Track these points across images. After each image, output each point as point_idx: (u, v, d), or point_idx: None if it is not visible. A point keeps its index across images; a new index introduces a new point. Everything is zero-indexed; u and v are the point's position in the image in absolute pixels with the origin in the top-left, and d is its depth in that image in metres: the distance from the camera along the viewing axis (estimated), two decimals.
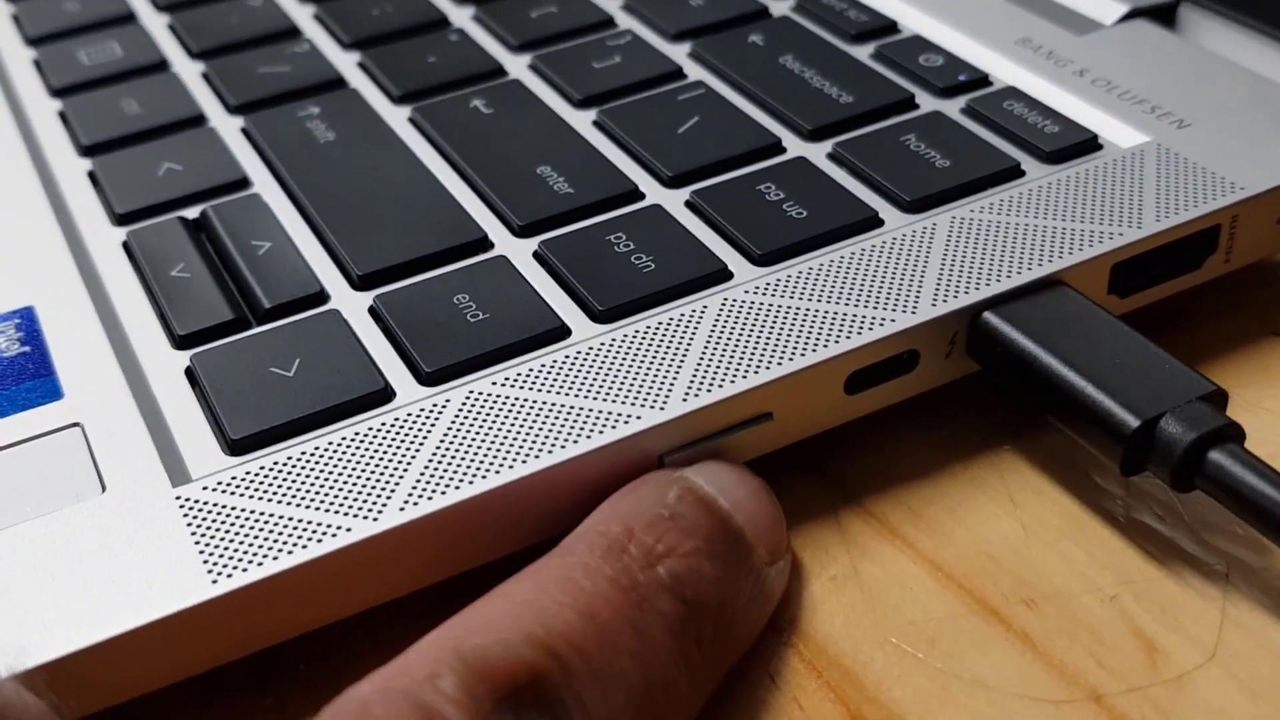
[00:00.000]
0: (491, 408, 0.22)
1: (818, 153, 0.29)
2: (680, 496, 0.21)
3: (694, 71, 0.32)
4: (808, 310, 0.24)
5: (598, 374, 0.23)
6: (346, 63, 0.34)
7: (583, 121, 0.30)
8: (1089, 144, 0.28)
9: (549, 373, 0.23)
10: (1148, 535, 0.23)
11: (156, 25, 0.36)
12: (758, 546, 0.21)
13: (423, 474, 0.21)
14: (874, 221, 0.26)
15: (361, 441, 0.22)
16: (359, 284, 0.26)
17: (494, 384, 0.23)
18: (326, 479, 0.21)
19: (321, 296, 0.26)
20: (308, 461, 0.22)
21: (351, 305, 0.25)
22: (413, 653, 0.18)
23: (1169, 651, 0.21)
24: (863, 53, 0.32)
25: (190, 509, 0.21)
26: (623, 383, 0.23)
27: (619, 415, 0.22)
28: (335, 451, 0.22)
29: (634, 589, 0.19)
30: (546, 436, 0.22)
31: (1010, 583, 0.22)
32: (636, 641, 0.19)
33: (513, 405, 0.22)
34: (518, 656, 0.18)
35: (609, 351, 0.23)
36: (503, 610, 0.19)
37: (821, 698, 0.21)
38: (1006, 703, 0.20)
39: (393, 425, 0.22)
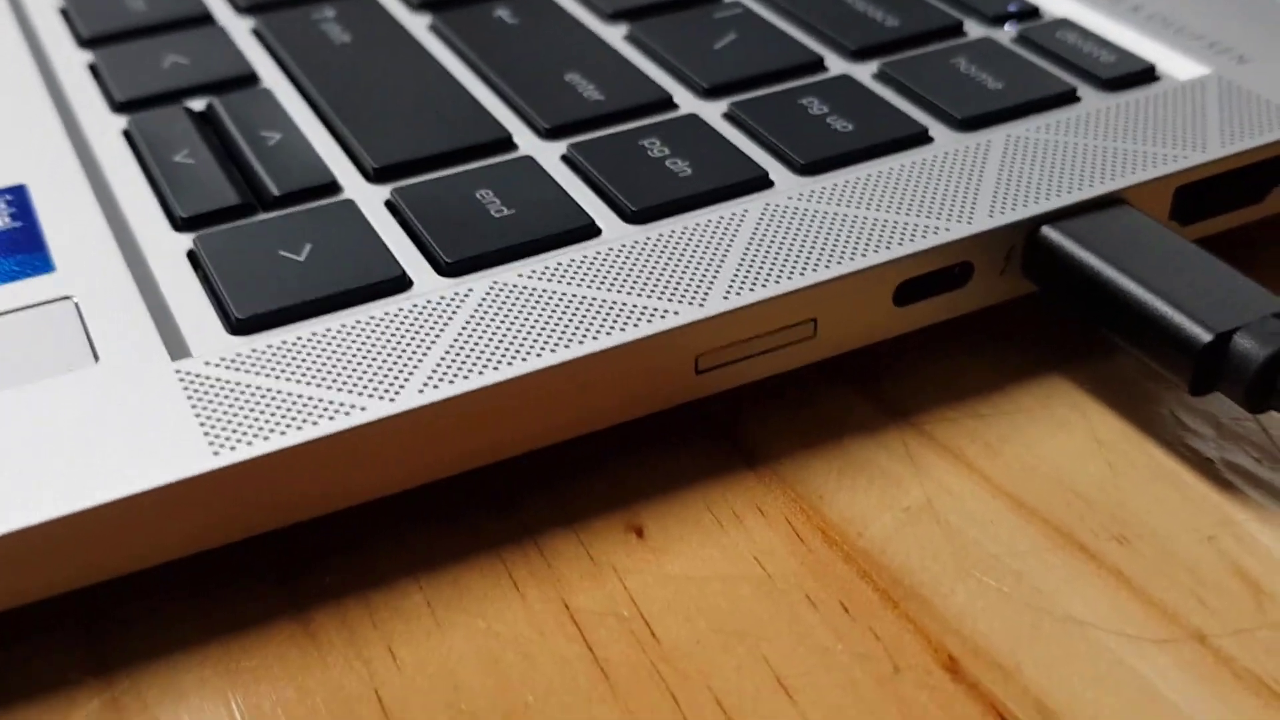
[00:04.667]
0: (517, 298, 0.21)
1: (863, 72, 0.27)
2: None
3: None
4: (856, 217, 0.22)
5: (631, 271, 0.21)
6: None
7: (614, 36, 0.29)
8: (1146, 74, 0.26)
9: (579, 267, 0.22)
10: (1245, 477, 0.21)
11: None
12: None
13: (444, 358, 0.20)
14: (924, 137, 0.25)
15: (378, 325, 0.20)
16: (374, 177, 0.24)
17: (519, 275, 0.21)
18: (339, 359, 0.20)
19: (334, 187, 0.24)
20: (319, 342, 0.20)
21: (366, 198, 0.24)
22: None
23: (1276, 593, 0.19)
24: None
25: (190, 382, 0.19)
26: (658, 279, 0.21)
27: (655, 310, 0.21)
28: (349, 333, 0.20)
29: None
30: (577, 328, 0.20)
31: (1099, 520, 0.20)
32: None
33: (540, 296, 0.21)
34: None
35: (643, 250, 0.22)
36: None
37: (900, 629, 0.19)
38: (1104, 640, 0.19)
39: (411, 311, 0.21)
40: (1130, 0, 0.29)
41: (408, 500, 0.20)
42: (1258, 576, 0.20)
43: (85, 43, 0.29)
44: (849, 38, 0.28)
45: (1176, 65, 0.27)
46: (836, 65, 0.27)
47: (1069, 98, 0.26)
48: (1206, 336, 0.20)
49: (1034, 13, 0.29)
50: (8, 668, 0.19)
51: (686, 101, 0.26)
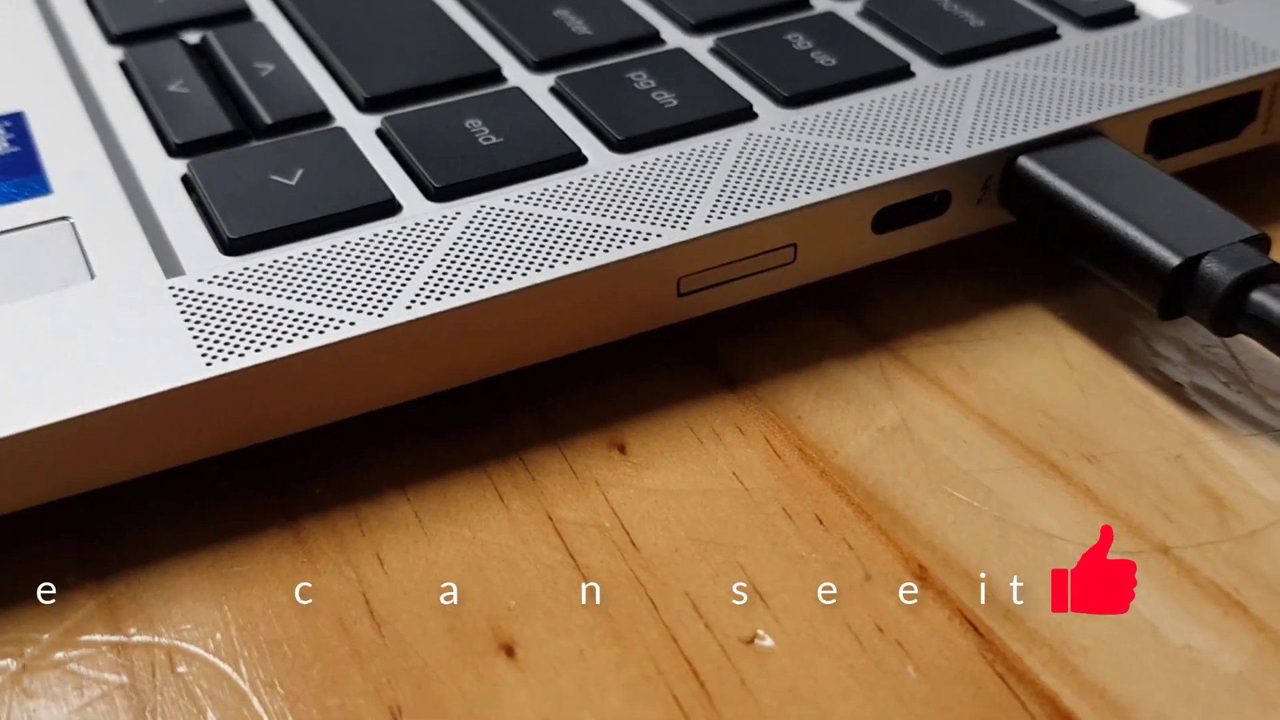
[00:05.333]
0: (504, 221, 0.21)
1: (848, 9, 0.27)
2: None
3: None
4: (837, 147, 0.23)
5: (616, 196, 0.22)
6: None
7: None
8: (1126, 12, 0.27)
9: (565, 193, 0.22)
10: (1213, 400, 0.22)
11: None
12: None
13: (432, 276, 0.20)
14: (905, 72, 0.25)
15: (367, 245, 0.21)
16: (365, 106, 0.25)
17: (507, 200, 0.22)
18: (330, 277, 0.20)
19: (326, 116, 0.24)
20: (310, 261, 0.21)
21: (357, 127, 0.24)
22: None
23: (1239, 509, 0.20)
24: None
25: (184, 298, 0.20)
26: (642, 204, 0.22)
27: (638, 233, 0.21)
28: (339, 253, 0.21)
29: None
30: (562, 249, 0.21)
31: (1069, 439, 0.21)
32: None
33: (526, 220, 0.21)
34: None
35: (628, 176, 0.22)
36: None
37: (872, 539, 0.20)
38: (1070, 551, 0.19)
39: (400, 232, 0.21)
40: None
41: (396, 415, 0.21)
42: (1222, 493, 0.20)
43: None
44: None
45: (1156, 4, 0.27)
46: (822, 2, 0.28)
47: (1049, 34, 0.26)
48: (1175, 260, 0.21)
49: None
50: (5, 571, 0.19)
51: (674, 37, 0.27)
